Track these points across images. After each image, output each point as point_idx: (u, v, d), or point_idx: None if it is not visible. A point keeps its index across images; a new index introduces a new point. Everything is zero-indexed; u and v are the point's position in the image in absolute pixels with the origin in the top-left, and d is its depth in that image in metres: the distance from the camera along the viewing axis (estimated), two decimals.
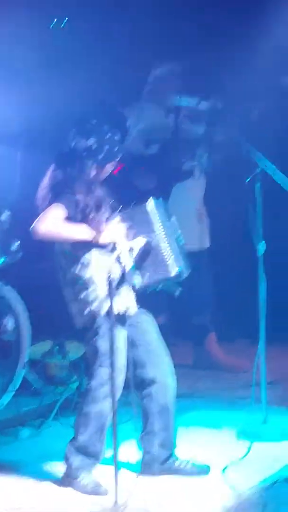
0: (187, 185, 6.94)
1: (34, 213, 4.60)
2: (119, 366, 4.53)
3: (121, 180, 4.86)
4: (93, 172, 4.65)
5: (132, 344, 4.69)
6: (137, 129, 6.76)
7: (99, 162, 4.64)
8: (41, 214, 4.54)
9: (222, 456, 4.98)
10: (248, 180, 5.40)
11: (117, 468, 4.36)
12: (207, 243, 7.04)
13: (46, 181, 4.69)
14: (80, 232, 4.53)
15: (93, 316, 4.58)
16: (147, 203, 4.68)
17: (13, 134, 6.28)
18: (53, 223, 4.50)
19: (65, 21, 6.69)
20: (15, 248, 5.70)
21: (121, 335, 4.59)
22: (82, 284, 4.58)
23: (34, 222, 4.53)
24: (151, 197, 4.69)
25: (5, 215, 5.72)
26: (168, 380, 4.76)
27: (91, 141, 4.63)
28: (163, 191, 6.62)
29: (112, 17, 6.75)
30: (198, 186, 7.04)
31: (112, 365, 4.41)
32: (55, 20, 6.68)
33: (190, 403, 5.90)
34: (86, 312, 4.59)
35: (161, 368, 4.75)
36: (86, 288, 4.58)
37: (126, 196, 4.77)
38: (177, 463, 4.79)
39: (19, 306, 5.72)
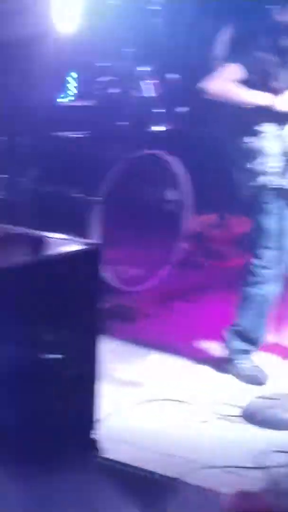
0: None
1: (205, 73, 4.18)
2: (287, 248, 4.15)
3: None
4: (283, 17, 4.07)
5: None
6: None
7: None
8: (215, 72, 4.11)
9: None
10: None
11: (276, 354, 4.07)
12: None
13: (224, 36, 4.23)
14: (256, 96, 4.08)
15: (260, 189, 4.18)
16: None
17: None
18: (226, 83, 4.07)
19: None
20: (181, 112, 5.31)
21: None
22: (251, 153, 4.17)
23: (205, 80, 4.11)
24: None
25: (173, 76, 5.30)
26: None
27: None
28: None
29: None
30: None
31: (279, 247, 4.05)
32: None
33: None
34: (252, 183, 4.19)
35: None
36: (255, 158, 4.16)
37: None
38: None
39: (183, 176, 5.39)
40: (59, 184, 5.38)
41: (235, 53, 4.13)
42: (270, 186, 4.14)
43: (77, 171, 5.35)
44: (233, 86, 4.07)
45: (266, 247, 4.19)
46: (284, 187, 4.10)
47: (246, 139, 4.17)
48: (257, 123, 4.14)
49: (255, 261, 4.25)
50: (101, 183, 5.11)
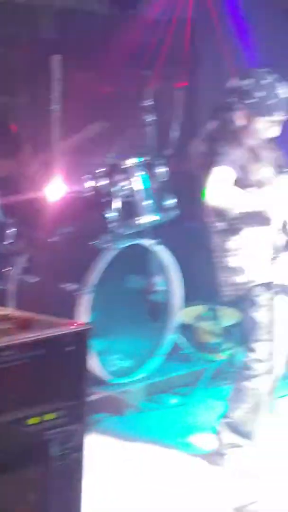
0: None
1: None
2: (281, 340, 4.15)
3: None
4: (240, 120, 4.16)
5: None
6: None
7: (249, 109, 4.11)
8: (209, 180, 4.05)
9: None
10: None
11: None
12: None
13: (201, 136, 4.28)
14: (254, 202, 4.07)
15: (249, 285, 4.18)
16: None
17: None
18: (226, 191, 4.04)
19: None
20: (171, 205, 5.36)
21: (284, 306, 4.20)
22: (230, 252, 4.19)
23: (206, 191, 4.04)
24: None
25: (161, 169, 5.35)
26: None
27: (245, 83, 4.13)
28: None
29: None
30: None
31: (270, 338, 4.06)
32: None
33: None
34: (231, 282, 4.20)
35: None
36: (235, 256, 4.19)
37: None
38: None
39: (171, 266, 5.41)
40: (47, 274, 5.37)
41: (217, 154, 4.10)
42: (260, 282, 4.16)
43: (65, 262, 5.36)
44: (235, 192, 4.05)
45: (258, 340, 4.18)
46: (271, 281, 4.13)
47: (225, 236, 4.20)
48: (246, 225, 4.16)
49: (248, 355, 4.23)
50: (88, 273, 5.10)
